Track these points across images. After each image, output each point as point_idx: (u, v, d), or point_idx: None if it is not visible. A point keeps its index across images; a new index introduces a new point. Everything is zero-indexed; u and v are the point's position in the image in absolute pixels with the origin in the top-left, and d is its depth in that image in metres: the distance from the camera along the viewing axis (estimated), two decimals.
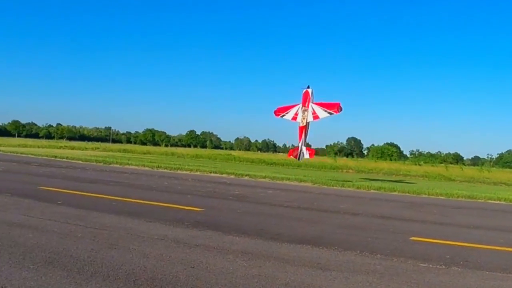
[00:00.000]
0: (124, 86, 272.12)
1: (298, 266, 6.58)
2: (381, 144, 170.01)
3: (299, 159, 25.28)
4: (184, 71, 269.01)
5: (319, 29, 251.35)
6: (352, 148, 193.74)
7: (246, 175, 25.52)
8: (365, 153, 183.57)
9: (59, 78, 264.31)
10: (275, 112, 24.91)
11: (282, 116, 24.29)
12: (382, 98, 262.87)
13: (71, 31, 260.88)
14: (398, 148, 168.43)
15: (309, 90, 23.53)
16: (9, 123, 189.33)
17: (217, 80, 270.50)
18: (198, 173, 26.66)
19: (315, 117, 23.06)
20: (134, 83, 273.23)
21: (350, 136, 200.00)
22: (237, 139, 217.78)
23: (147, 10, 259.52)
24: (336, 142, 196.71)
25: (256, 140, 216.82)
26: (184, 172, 27.02)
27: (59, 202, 11.40)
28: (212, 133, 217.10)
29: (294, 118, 23.71)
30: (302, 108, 23.40)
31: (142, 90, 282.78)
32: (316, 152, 40.75)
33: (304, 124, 23.41)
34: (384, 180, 30.00)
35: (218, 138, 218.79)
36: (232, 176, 25.26)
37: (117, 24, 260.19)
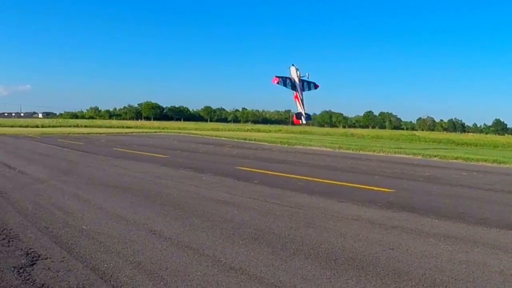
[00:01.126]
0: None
1: None
2: None
3: (302, 122, 30.52)
4: (364, 51, 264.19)
5: None
6: None
7: (435, 156, 23.87)
8: None
9: (236, 66, 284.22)
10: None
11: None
12: None
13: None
14: None
15: (293, 68, 29.96)
16: (202, 109, 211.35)
17: (396, 56, 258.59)
18: (381, 153, 25.94)
19: (301, 88, 30.07)
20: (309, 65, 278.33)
21: None
22: (419, 119, 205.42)
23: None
24: None
25: (441, 120, 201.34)
26: (367, 152, 26.58)
27: (255, 181, 12.26)
28: (391, 113, 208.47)
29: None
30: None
31: (318, 71, 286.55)
32: None
33: (296, 94, 29.96)
34: None
35: (398, 119, 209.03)
36: (419, 157, 23.93)
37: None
